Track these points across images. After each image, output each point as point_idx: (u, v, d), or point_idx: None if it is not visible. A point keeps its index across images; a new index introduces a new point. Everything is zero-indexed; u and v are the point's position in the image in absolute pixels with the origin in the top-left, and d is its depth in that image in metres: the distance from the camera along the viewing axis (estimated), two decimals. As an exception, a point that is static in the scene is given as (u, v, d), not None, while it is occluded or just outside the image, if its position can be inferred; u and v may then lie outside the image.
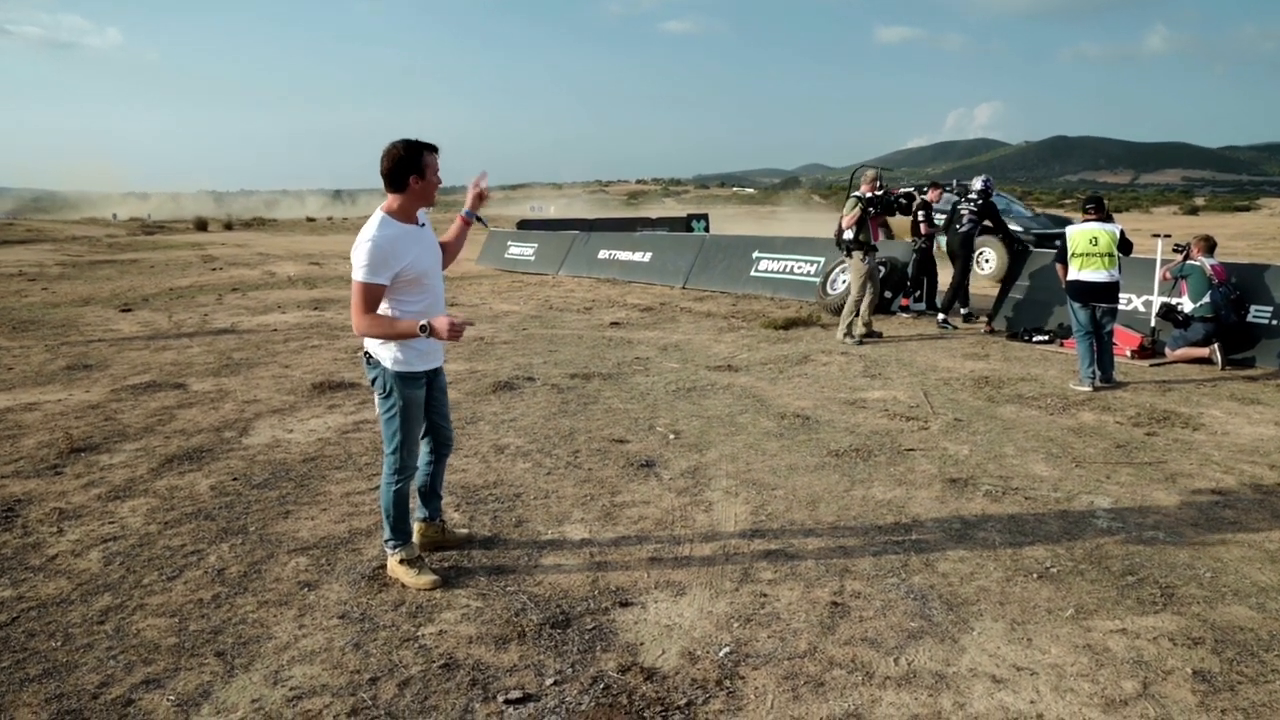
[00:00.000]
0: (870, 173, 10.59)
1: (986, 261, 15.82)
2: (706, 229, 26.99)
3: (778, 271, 14.22)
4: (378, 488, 5.04)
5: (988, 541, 4.32)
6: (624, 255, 17.65)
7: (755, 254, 14.80)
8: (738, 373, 8.37)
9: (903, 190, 13.05)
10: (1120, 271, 7.81)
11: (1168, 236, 9.28)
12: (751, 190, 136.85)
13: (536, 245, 20.37)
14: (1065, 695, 2.98)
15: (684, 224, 27.09)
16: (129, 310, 13.60)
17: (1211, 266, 8.66)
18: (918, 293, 12.17)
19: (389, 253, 3.39)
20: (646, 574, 3.96)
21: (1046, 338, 9.69)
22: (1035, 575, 3.94)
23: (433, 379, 3.81)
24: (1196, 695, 2.98)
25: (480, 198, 3.99)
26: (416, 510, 4.18)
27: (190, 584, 3.88)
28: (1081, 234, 7.94)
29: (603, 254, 18.31)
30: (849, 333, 9.91)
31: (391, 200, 3.51)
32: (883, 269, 11.77)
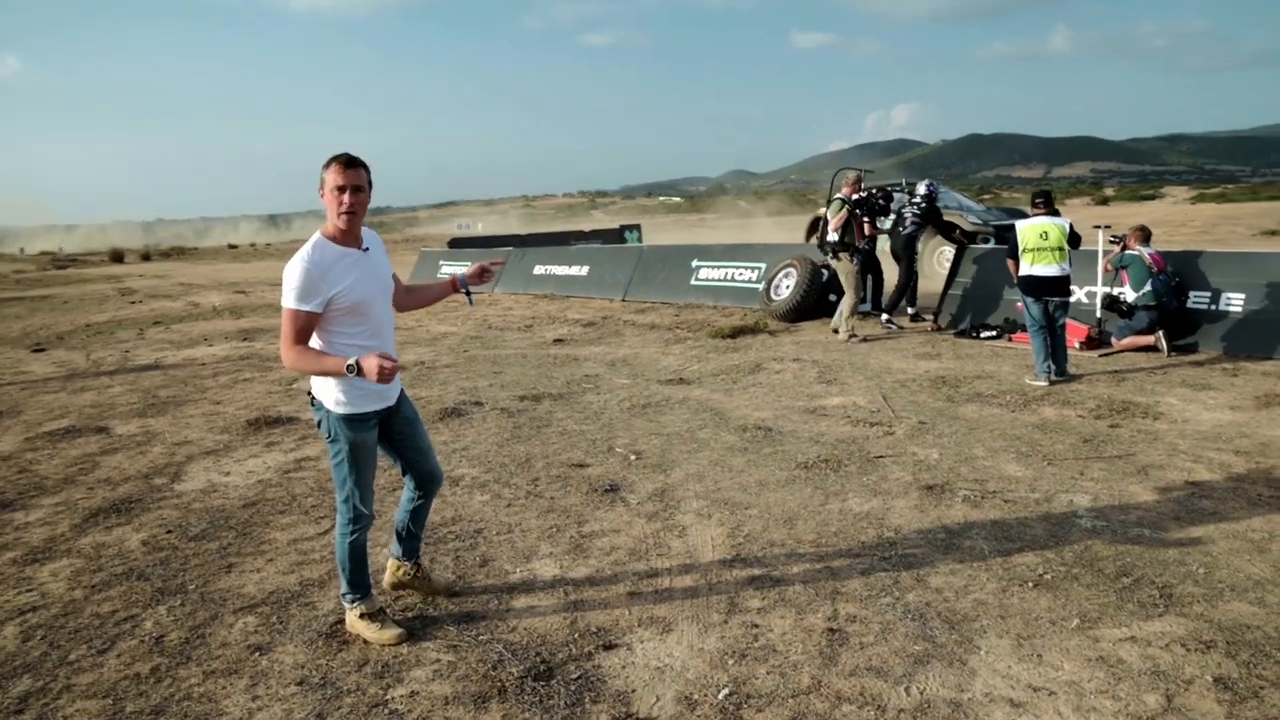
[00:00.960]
0: (851, 175, 10.84)
1: (945, 259, 15.88)
2: (640, 239, 26.86)
3: (719, 280, 14.09)
4: (328, 533, 4.70)
5: (976, 551, 4.16)
6: (560, 270, 17.37)
7: (695, 263, 14.66)
8: (691, 385, 8.16)
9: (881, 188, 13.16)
10: (1071, 265, 7.82)
11: (1108, 227, 9.36)
12: (678, 199, 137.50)
13: (468, 264, 19.95)
14: (1089, 716, 2.81)
15: (617, 235, 26.95)
16: (41, 350, 12.86)
17: (1150, 255, 8.74)
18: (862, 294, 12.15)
19: (318, 277, 3.06)
20: (627, 611, 3.70)
21: (994, 333, 9.70)
22: (1030, 584, 3.78)
23: (391, 416, 3.44)
24: (1223, 705, 2.84)
25: (483, 273, 3.67)
26: (390, 546, 3.85)
27: (125, 656, 3.50)
28: (1032, 229, 7.93)
29: (538, 269, 18.00)
30: (853, 333, 10.12)
31: (328, 222, 3.20)
32: (825, 272, 11.72)
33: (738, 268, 13.89)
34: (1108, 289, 9.09)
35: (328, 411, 3.25)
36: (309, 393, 3.33)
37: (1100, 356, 8.63)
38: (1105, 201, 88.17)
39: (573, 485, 5.39)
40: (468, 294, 3.76)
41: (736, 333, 10.71)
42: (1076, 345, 8.85)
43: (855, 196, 10.33)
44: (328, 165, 3.11)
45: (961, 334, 10.03)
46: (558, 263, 17.68)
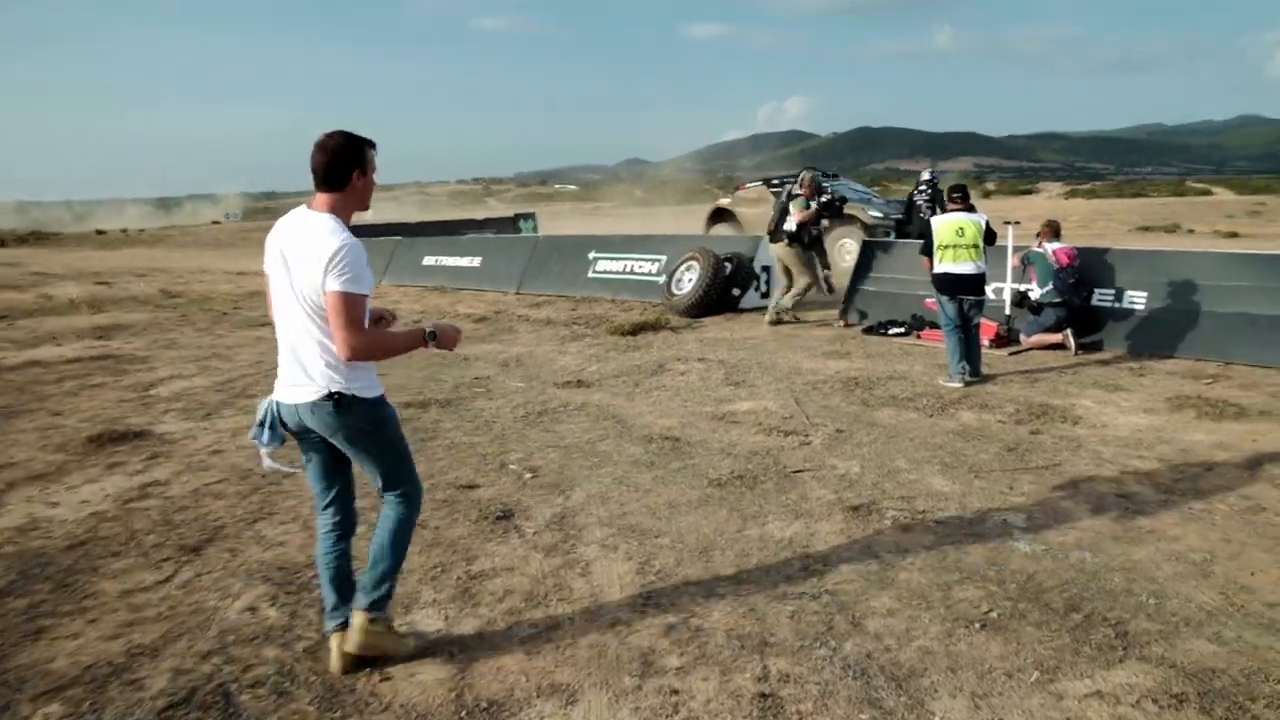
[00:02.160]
0: (807, 176, 11.40)
1: (848, 254, 15.69)
2: (535, 228, 26.14)
3: (618, 272, 13.58)
4: (170, 580, 3.99)
5: (912, 585, 3.75)
6: (451, 261, 16.57)
7: (592, 254, 14.10)
8: (590, 389, 7.62)
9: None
10: (986, 263, 7.58)
11: (1017, 223, 9.22)
12: (574, 186, 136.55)
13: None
14: (1068, 805, 2.40)
15: (511, 224, 26.15)
16: None
17: (1054, 251, 8.62)
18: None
19: (365, 261, 2.90)
20: (525, 676, 3.14)
21: (903, 330, 9.48)
22: (977, 625, 3.39)
23: None
24: (1213, 784, 2.47)
25: (450, 342, 3.18)
26: (327, 618, 3.26)
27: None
28: (947, 225, 7.66)
29: (428, 260, 17.15)
30: (783, 319, 10.53)
31: (331, 201, 2.95)
32: (728, 265, 11.33)
33: (637, 260, 13.40)
34: (1017, 286, 8.95)
35: (364, 402, 3.00)
36: (331, 396, 2.94)
37: (1010, 355, 8.47)
38: (987, 195, 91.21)
39: (460, 512, 4.78)
40: (430, 344, 3.16)
41: (637, 329, 10.21)
42: (986, 343, 8.66)
43: (825, 199, 10.73)
44: (369, 145, 2.99)
45: (870, 331, 9.77)
46: (448, 253, 16.87)
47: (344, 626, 3.18)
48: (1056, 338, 8.49)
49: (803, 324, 10.56)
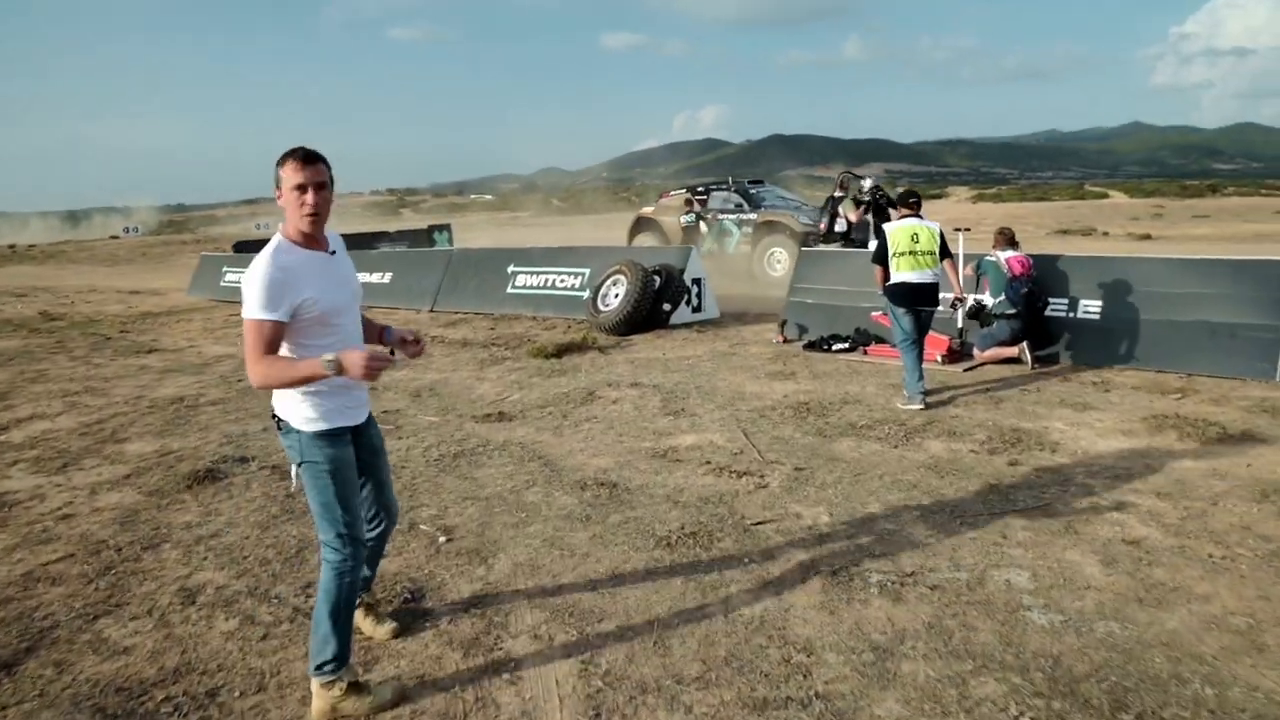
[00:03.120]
0: (841, 177, 13.21)
1: (778, 263, 15.11)
2: (450, 241, 25.09)
3: (538, 287, 12.74)
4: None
5: (919, 680, 3.05)
6: (361, 277, 15.38)
7: (511, 268, 13.23)
8: (513, 423, 6.79)
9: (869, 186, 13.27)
10: (940, 271, 7.03)
11: (967, 230, 8.71)
12: (490, 196, 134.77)
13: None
14: None
15: (425, 236, 25.05)
16: None
17: (1008, 260, 8.12)
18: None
19: (282, 282, 2.77)
20: None
21: (847, 345, 8.87)
22: (1012, 742, 2.70)
23: (359, 436, 3.10)
24: None
25: (404, 343, 3.17)
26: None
27: None
28: (902, 231, 7.05)
29: (335, 277, 16.03)
30: None
31: (288, 224, 2.90)
32: (658, 278, 10.61)
33: (559, 273, 12.58)
34: (973, 297, 8.44)
35: (298, 433, 2.92)
36: (273, 415, 2.99)
37: (965, 371, 7.92)
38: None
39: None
40: (392, 352, 3.11)
41: (562, 350, 9.39)
42: (938, 358, 8.12)
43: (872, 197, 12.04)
44: (282, 162, 2.83)
45: (811, 347, 9.14)
46: (357, 269, 15.75)
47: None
48: (1012, 351, 7.99)
49: (739, 341, 9.89)
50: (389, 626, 3.53)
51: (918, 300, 6.92)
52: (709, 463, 5.57)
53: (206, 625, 3.68)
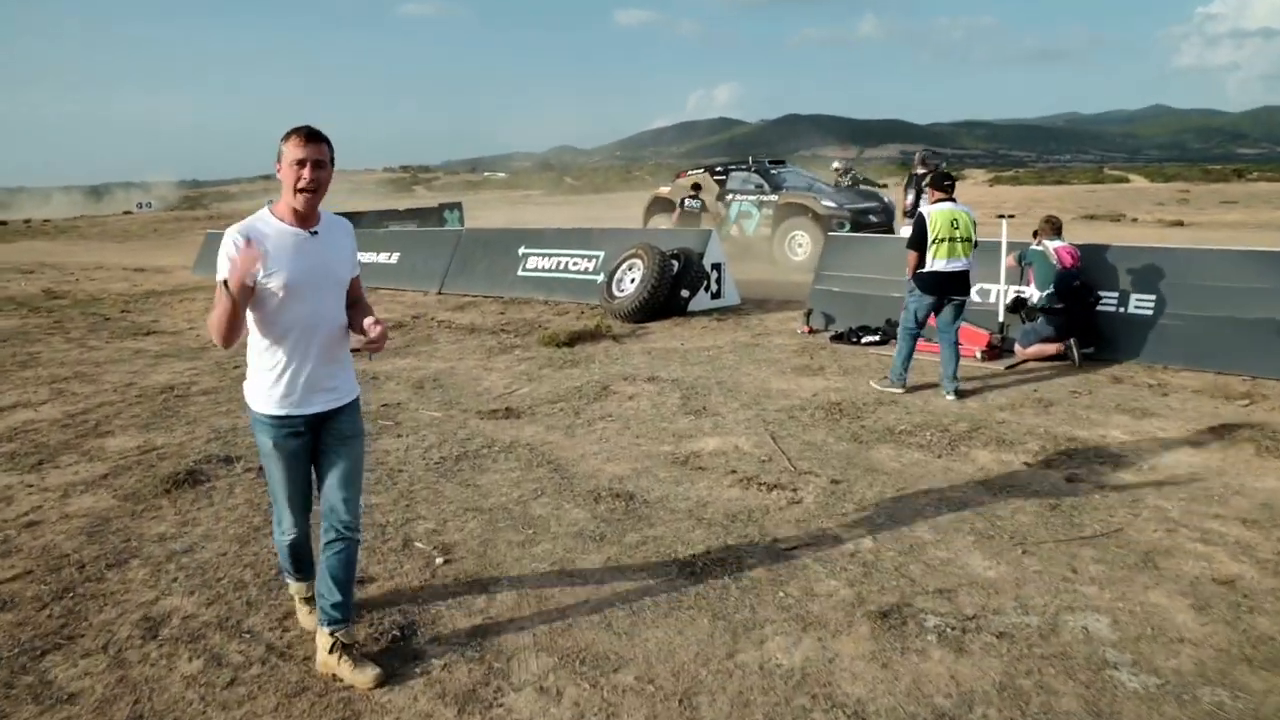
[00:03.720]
0: (920, 154, 12.49)
1: (800, 247, 14.53)
2: (461, 220, 24.56)
3: (550, 270, 12.22)
4: None
5: (998, 764, 2.56)
6: (367, 257, 14.97)
7: (522, 250, 12.71)
8: (521, 420, 6.31)
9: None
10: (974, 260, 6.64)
11: (1011, 217, 8.13)
12: (503, 175, 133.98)
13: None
14: None
15: (436, 214, 24.52)
16: None
17: (1056, 250, 7.56)
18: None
19: (231, 243, 2.83)
20: None
21: (878, 338, 8.34)
22: None
23: (324, 428, 3.10)
24: None
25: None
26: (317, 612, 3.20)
27: None
28: (943, 215, 6.59)
29: (341, 256, 15.54)
30: None
31: (279, 198, 2.97)
32: (675, 263, 10.09)
33: (572, 256, 12.06)
34: (1015, 288, 7.89)
35: (251, 411, 3.08)
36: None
37: (1006, 369, 7.37)
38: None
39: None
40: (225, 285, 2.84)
41: (574, 339, 8.89)
42: (977, 354, 7.58)
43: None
44: (286, 137, 2.88)
45: (839, 339, 8.62)
46: (365, 248, 15.26)
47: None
48: (1057, 348, 7.44)
49: (762, 331, 9.36)
50: (372, 673, 3.06)
51: (950, 289, 6.58)
52: (734, 471, 5.08)
53: (167, 666, 3.21)
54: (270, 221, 2.91)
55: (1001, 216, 8.05)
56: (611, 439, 5.79)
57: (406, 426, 6.24)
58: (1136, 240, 15.74)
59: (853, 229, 14.09)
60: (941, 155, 13.27)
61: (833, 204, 14.27)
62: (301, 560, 3.37)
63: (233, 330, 2.79)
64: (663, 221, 16.34)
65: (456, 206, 25.34)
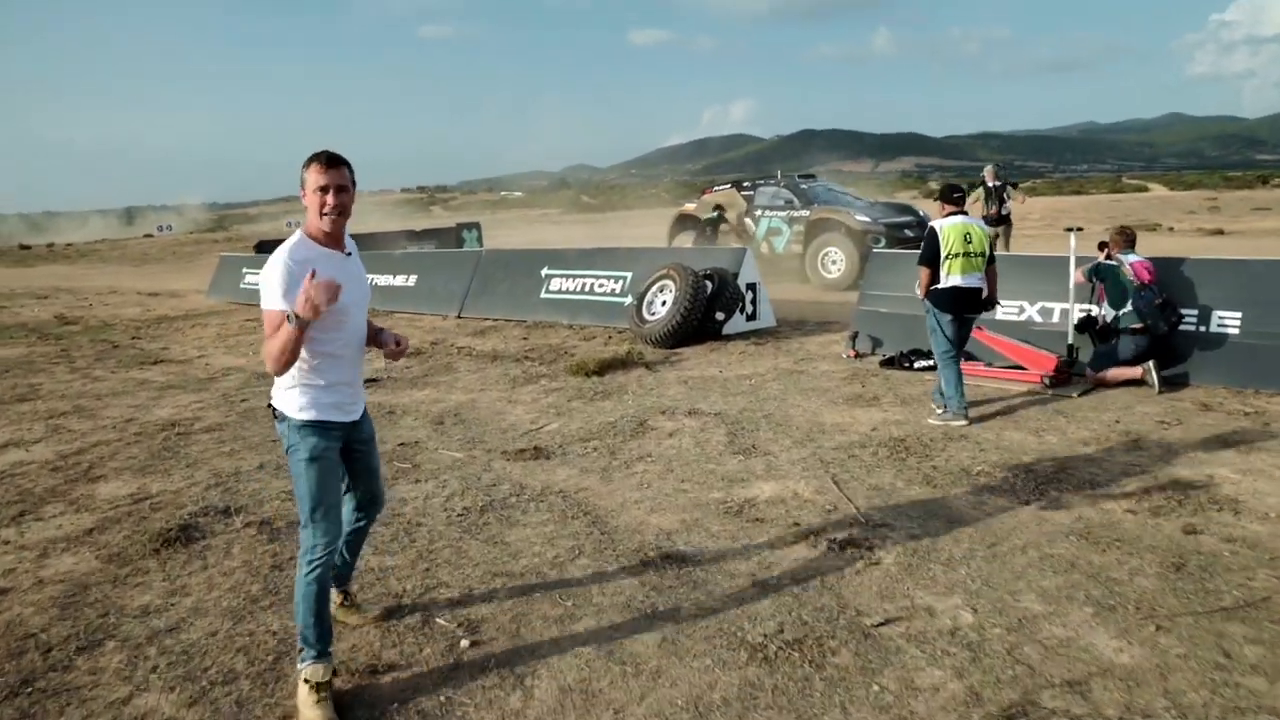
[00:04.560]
0: (991, 169, 14.31)
1: (833, 263, 13.91)
2: (480, 240, 24.10)
3: (575, 292, 11.65)
4: None
5: None
6: (383, 280, 14.48)
7: (545, 271, 12.16)
8: (552, 462, 5.72)
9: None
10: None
11: (1080, 230, 7.50)
12: (520, 193, 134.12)
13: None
14: None
15: (454, 235, 24.08)
16: None
17: (1133, 265, 6.92)
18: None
19: (300, 275, 2.81)
20: None
21: (932, 362, 7.70)
22: None
23: (351, 432, 3.19)
24: None
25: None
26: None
27: None
28: (955, 230, 6.24)
29: (357, 279, 15.05)
30: None
31: (307, 223, 3.03)
32: (709, 284, 9.50)
33: (597, 277, 11.49)
34: (1085, 306, 7.26)
35: (289, 420, 3.05)
36: (269, 405, 3.13)
37: (1079, 396, 6.72)
38: (932, 195, 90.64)
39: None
40: (291, 319, 2.80)
41: (604, 367, 8.29)
42: (1044, 380, 6.94)
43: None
44: (307, 165, 2.96)
45: (890, 364, 7.99)
46: (379, 270, 14.76)
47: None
48: (1135, 372, 6.79)
49: (805, 356, 8.73)
50: (371, 615, 3.62)
51: (966, 306, 6.30)
52: (798, 524, 4.46)
53: (135, 794, 2.63)
54: (312, 246, 2.98)
55: (1069, 230, 7.41)
56: (654, 484, 5.19)
57: (426, 470, 5.66)
58: (1182, 250, 15.04)
59: (888, 245, 13.49)
60: (1008, 169, 13.44)
61: (867, 219, 13.64)
62: (325, 609, 3.08)
63: (294, 358, 2.85)
64: (688, 240, 15.77)
65: (475, 226, 24.90)
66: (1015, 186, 15.13)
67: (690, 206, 16.48)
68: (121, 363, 10.50)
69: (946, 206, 6.50)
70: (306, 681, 2.99)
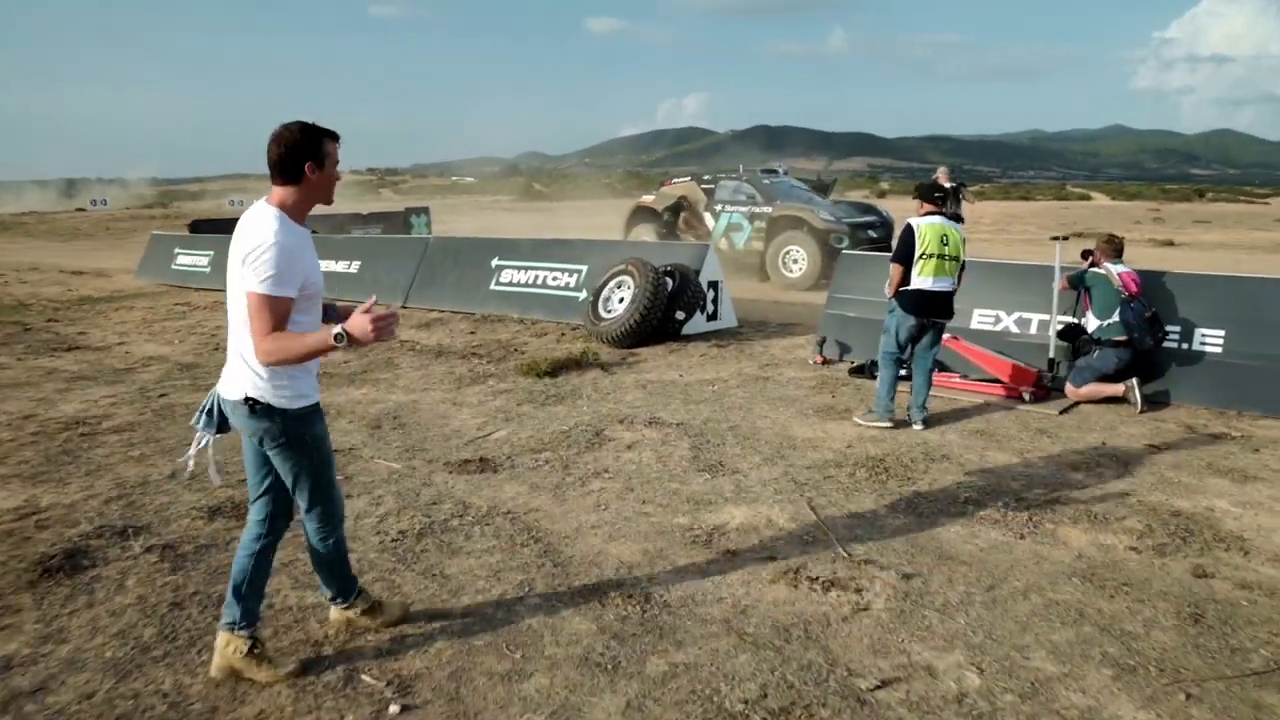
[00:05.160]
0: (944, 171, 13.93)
1: (794, 263, 13.50)
2: (428, 226, 23.33)
3: (527, 284, 11.08)
4: None
5: None
6: (325, 265, 13.65)
7: (496, 262, 11.55)
8: (499, 475, 5.19)
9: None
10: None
11: (1066, 239, 7.13)
12: (471, 179, 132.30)
13: (213, 253, 15.88)
14: None
15: (401, 220, 23.26)
16: None
17: (1120, 275, 6.60)
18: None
19: (296, 259, 2.74)
20: None
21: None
22: None
23: None
24: None
25: (377, 328, 2.60)
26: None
27: None
28: (933, 229, 6.00)
29: (296, 263, 14.28)
30: None
31: (283, 194, 2.82)
32: (670, 280, 9.01)
33: (551, 270, 10.93)
34: (1066, 316, 6.93)
35: (281, 412, 2.87)
36: (247, 399, 2.85)
37: (1061, 414, 6.37)
38: (883, 195, 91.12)
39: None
40: (340, 338, 2.58)
41: (557, 368, 7.76)
42: (1025, 396, 6.59)
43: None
44: (328, 137, 2.84)
45: (859, 372, 7.59)
46: (321, 255, 14.00)
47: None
48: (1116, 389, 6.47)
49: (770, 361, 8.30)
50: (284, 670, 3.10)
51: (934, 310, 6.07)
52: (774, 558, 4.00)
53: None
54: (293, 226, 2.81)
55: (1055, 238, 7.04)
56: (612, 505, 4.69)
57: (359, 483, 5.09)
58: (1141, 261, 14.98)
59: (851, 245, 13.15)
60: (958, 171, 13.43)
61: (830, 218, 13.27)
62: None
63: (295, 360, 2.75)
64: (646, 233, 15.27)
65: (424, 212, 24.09)
66: (965, 188, 15.22)
67: (648, 198, 15.95)
68: (31, 348, 9.69)
69: (925, 205, 6.23)
70: (252, 652, 3.02)
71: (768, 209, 13.90)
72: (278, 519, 3.10)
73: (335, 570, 3.28)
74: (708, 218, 14.83)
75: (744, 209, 14.36)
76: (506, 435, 5.99)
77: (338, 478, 3.26)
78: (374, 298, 2.76)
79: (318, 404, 3.00)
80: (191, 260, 16.49)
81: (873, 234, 13.57)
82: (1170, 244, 23.47)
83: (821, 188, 16.20)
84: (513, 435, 5.99)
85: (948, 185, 14.46)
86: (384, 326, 2.56)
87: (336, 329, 2.55)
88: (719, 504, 4.70)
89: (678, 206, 15.09)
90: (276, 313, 2.68)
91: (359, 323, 2.54)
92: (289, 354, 2.68)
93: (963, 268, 6.16)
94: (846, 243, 12.93)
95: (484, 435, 6.00)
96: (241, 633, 3.01)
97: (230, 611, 3.03)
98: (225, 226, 21.02)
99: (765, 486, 4.94)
